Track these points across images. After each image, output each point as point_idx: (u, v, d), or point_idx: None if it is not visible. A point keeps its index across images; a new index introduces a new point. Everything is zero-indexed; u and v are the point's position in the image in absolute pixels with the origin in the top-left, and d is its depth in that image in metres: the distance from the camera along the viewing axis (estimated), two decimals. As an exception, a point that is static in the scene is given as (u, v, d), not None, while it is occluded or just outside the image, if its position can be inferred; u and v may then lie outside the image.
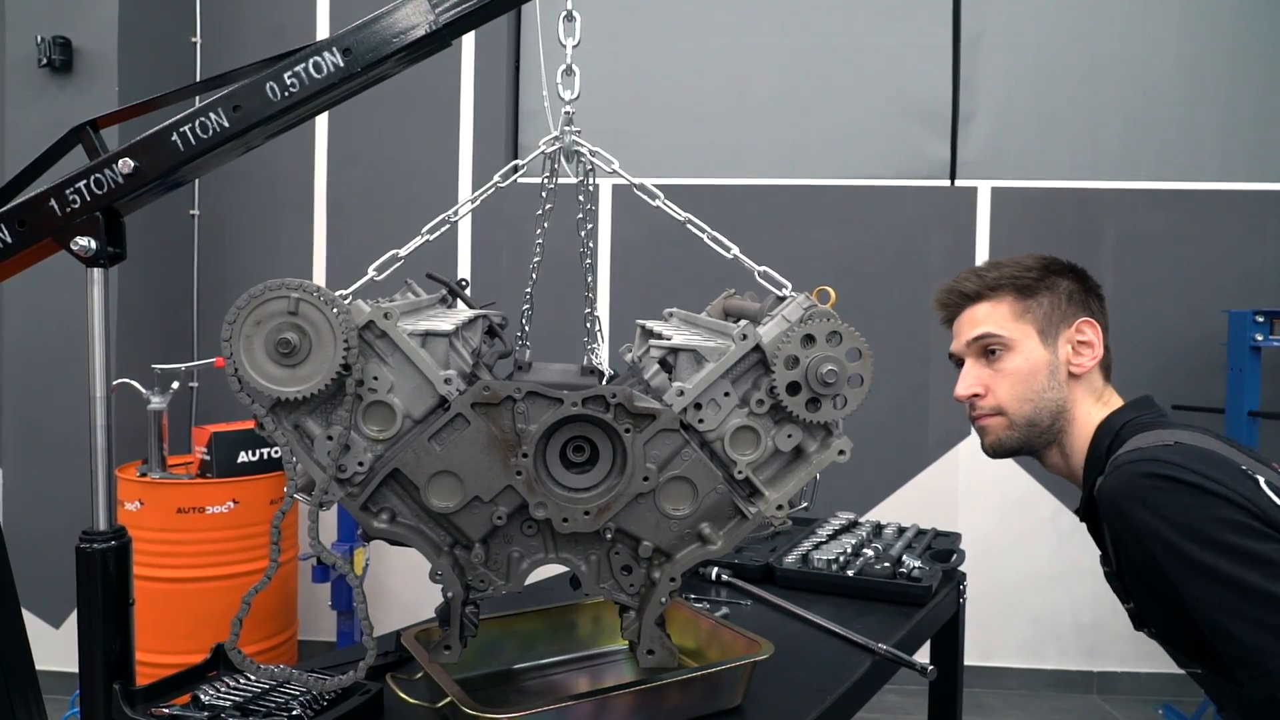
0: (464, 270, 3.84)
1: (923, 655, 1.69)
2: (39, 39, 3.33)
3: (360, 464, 1.06)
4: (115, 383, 3.05)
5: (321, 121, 3.88)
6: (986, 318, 1.37)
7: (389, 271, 1.24)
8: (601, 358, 1.63)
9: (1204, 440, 1.19)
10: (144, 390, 3.00)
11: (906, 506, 3.62)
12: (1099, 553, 1.40)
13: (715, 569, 1.99)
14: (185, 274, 3.86)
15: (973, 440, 3.71)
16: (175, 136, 1.35)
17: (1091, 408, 1.36)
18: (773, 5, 3.87)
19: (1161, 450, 1.15)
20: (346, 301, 1.09)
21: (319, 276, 3.88)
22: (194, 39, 3.83)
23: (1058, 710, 3.54)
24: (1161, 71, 3.77)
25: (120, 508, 3.00)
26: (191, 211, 3.87)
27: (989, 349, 1.36)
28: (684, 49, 3.90)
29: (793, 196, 3.77)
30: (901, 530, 2.25)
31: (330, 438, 1.04)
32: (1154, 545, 1.11)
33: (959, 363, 1.44)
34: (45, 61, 3.33)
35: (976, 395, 1.38)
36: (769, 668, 1.37)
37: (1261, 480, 1.11)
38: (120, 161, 1.34)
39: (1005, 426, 1.36)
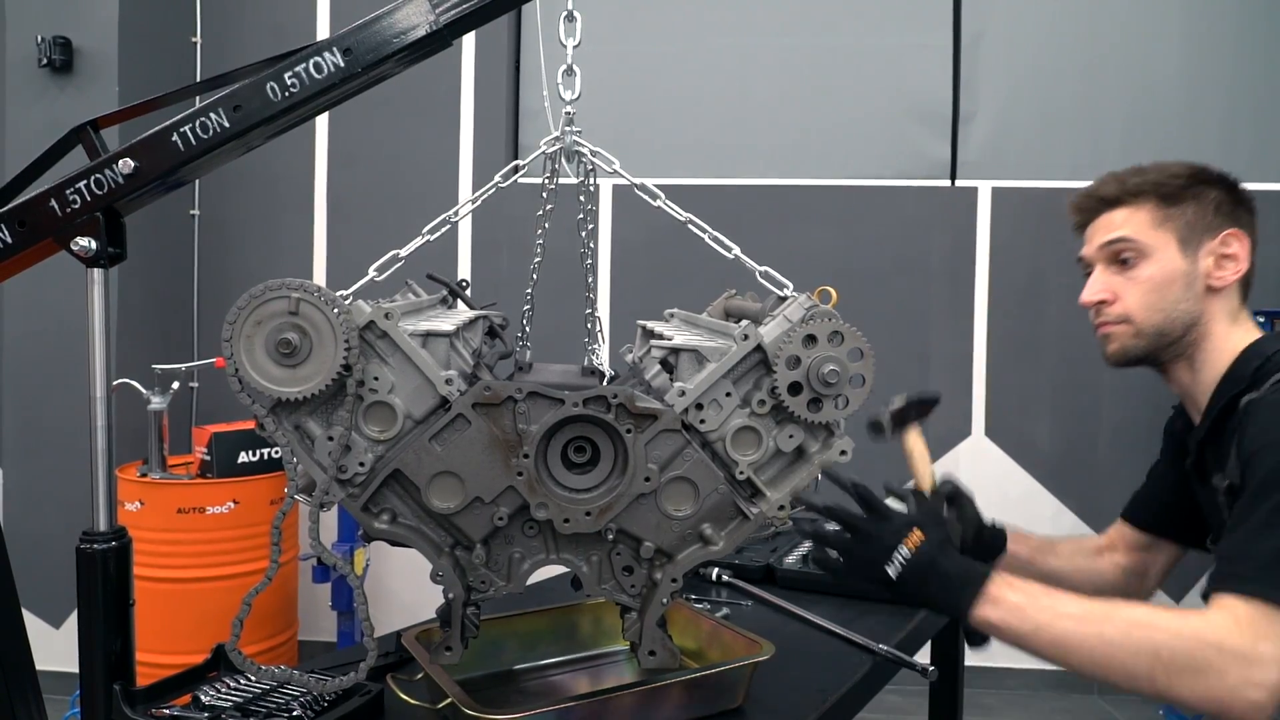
0: (464, 270, 3.84)
1: (923, 656, 1.69)
2: (39, 39, 3.33)
3: (361, 464, 1.06)
4: (115, 383, 3.05)
5: (322, 121, 3.88)
6: (1124, 222, 1.30)
7: (390, 272, 1.24)
8: (602, 358, 1.63)
9: None
10: (144, 390, 3.00)
11: (907, 507, 3.62)
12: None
13: (716, 569, 1.99)
14: (185, 274, 3.85)
15: (973, 440, 3.71)
16: (176, 137, 1.34)
17: (1229, 327, 1.28)
18: (773, 5, 3.87)
19: None
20: (347, 302, 1.09)
21: (319, 277, 3.88)
22: (194, 39, 3.82)
23: (1059, 711, 3.54)
24: (1161, 71, 3.77)
25: (120, 508, 3.00)
26: (192, 211, 3.87)
27: (1122, 256, 1.30)
28: (684, 49, 3.90)
29: (793, 196, 3.77)
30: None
31: (331, 438, 1.04)
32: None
33: (1087, 269, 1.37)
34: (45, 61, 3.32)
35: (1103, 302, 1.32)
36: (770, 668, 1.37)
37: None
38: (120, 162, 1.34)
39: (1132, 335, 1.30)
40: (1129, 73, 3.77)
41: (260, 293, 1.02)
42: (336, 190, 3.88)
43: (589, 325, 1.62)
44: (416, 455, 1.06)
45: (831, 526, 1.18)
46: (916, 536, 1.08)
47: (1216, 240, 1.27)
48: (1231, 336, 1.27)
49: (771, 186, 3.79)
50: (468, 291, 1.65)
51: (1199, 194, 1.28)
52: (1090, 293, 1.33)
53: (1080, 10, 3.77)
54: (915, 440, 1.56)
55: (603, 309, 3.71)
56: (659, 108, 3.91)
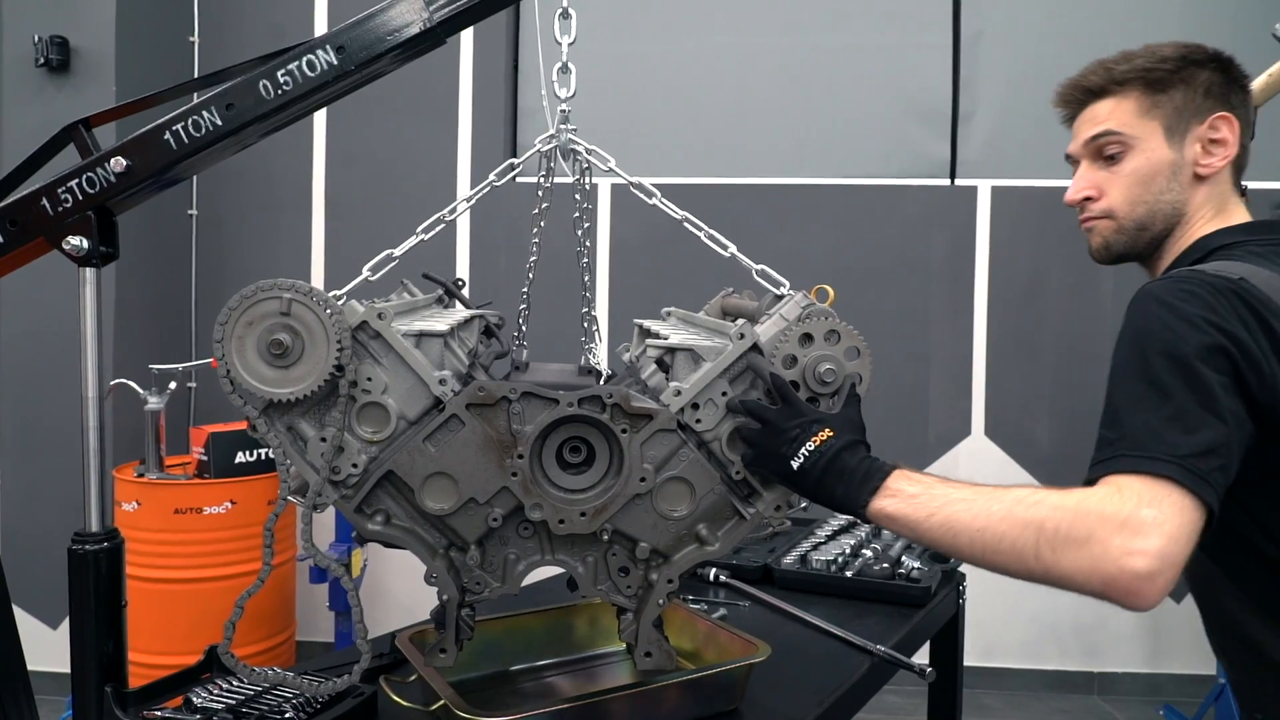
0: (463, 270, 3.83)
1: (922, 656, 1.68)
2: (36, 38, 3.32)
3: (354, 466, 1.05)
4: (112, 383, 3.06)
5: (320, 120, 3.87)
6: (1109, 115, 1.23)
7: (384, 271, 1.23)
8: (600, 358, 1.62)
9: (1279, 285, 1.04)
10: (141, 390, 2.99)
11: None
12: None
13: (713, 570, 1.98)
14: (183, 274, 3.84)
15: (973, 439, 3.70)
16: (168, 135, 1.34)
17: (1211, 218, 1.21)
18: (773, 4, 3.86)
19: (1211, 276, 1.03)
20: (340, 302, 1.08)
21: (317, 276, 3.87)
22: (192, 38, 3.81)
23: (1058, 711, 3.53)
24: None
25: (118, 508, 2.99)
26: (189, 211, 3.86)
27: (1108, 151, 1.24)
28: (684, 48, 3.89)
29: (793, 195, 3.76)
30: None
31: (324, 439, 1.03)
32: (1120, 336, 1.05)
33: (1076, 164, 1.33)
34: (42, 61, 3.31)
35: (1088, 199, 1.27)
36: (766, 669, 1.36)
37: None
38: (113, 160, 1.33)
39: (1114, 230, 1.25)
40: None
41: (251, 293, 1.01)
42: (334, 189, 3.87)
43: (585, 324, 1.61)
44: (410, 456, 1.05)
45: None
46: (825, 434, 1.05)
47: (1204, 125, 1.20)
48: (1206, 226, 1.21)
49: (771, 186, 3.78)
50: (465, 291, 1.64)
51: (1189, 77, 1.21)
52: (1074, 190, 1.29)
53: (1080, 9, 3.76)
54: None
55: (601, 308, 3.70)
56: (658, 107, 3.90)
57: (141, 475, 3.02)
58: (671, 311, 1.61)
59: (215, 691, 1.30)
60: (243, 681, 1.29)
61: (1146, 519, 0.89)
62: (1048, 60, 3.78)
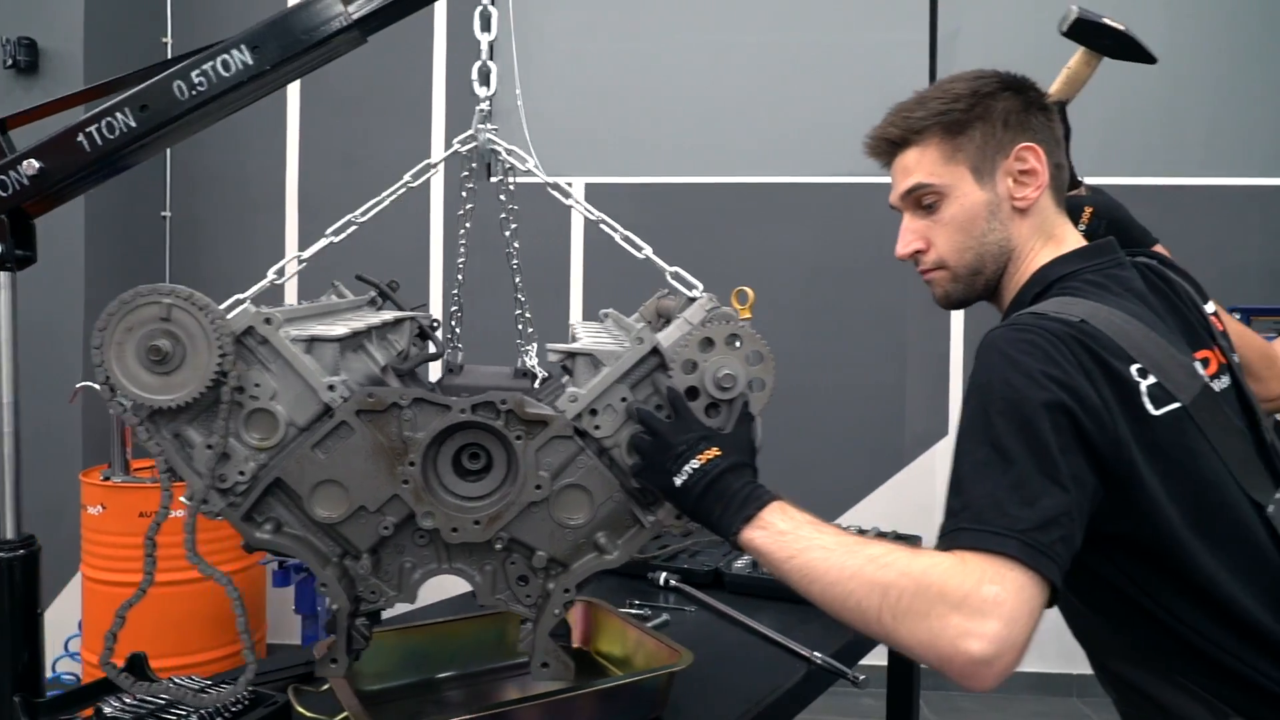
0: (435, 270, 3.81)
1: (879, 658, 1.65)
2: (4, 40, 3.30)
3: (241, 473, 1.03)
4: (79, 385, 3.03)
5: (293, 121, 3.86)
6: (916, 165, 1.20)
7: (293, 275, 1.21)
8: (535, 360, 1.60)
9: (1120, 324, 1.02)
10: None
11: (883, 508, 3.57)
12: None
13: (664, 574, 1.96)
14: (157, 277, 3.83)
15: (950, 439, 3.66)
16: (81, 137, 1.32)
17: (1042, 249, 1.18)
18: (749, 2, 3.83)
19: (1052, 322, 1.00)
20: (240, 307, 1.06)
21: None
22: (165, 39, 3.80)
23: (1036, 714, 3.50)
24: (1143, 66, 3.71)
25: (83, 511, 2.98)
26: (163, 213, 3.85)
27: (924, 202, 1.21)
28: (659, 46, 3.86)
29: (769, 194, 3.73)
30: (861, 533, 2.21)
31: (210, 447, 1.01)
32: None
33: (901, 213, 1.29)
34: (10, 63, 3.30)
35: (919, 251, 1.24)
36: (698, 676, 1.34)
37: (1144, 385, 0.98)
38: (25, 163, 1.32)
39: (949, 279, 1.23)
40: (1108, 67, 3.71)
41: (131, 298, 0.99)
42: (308, 191, 3.86)
43: (520, 326, 1.60)
44: (299, 463, 1.03)
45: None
46: (712, 453, 1.03)
47: (1010, 158, 1.17)
48: (1039, 257, 1.18)
49: (747, 185, 3.75)
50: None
51: (984, 112, 1.18)
52: (902, 244, 1.26)
53: (1057, 5, 3.72)
54: (1081, 66, 1.53)
55: (575, 309, 3.68)
56: (634, 105, 3.86)
57: (108, 479, 3.00)
58: (609, 313, 1.59)
59: (128, 701, 1.28)
60: (155, 694, 1.28)
61: (987, 597, 0.85)
62: (1024, 58, 3.70)
